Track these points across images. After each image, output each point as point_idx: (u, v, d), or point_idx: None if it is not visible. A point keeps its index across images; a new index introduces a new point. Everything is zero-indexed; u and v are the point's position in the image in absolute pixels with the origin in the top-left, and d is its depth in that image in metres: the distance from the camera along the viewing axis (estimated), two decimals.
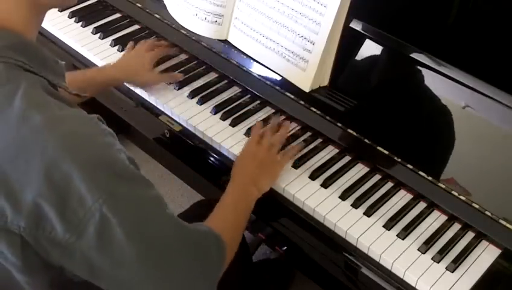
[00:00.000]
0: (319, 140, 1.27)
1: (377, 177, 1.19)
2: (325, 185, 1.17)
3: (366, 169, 1.21)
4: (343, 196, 1.15)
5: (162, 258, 0.81)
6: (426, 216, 1.12)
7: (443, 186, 1.11)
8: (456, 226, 1.11)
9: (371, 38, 1.25)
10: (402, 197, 1.16)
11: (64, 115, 0.79)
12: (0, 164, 0.77)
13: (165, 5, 1.47)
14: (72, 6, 1.61)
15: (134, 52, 1.42)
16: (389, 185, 1.18)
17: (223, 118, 1.32)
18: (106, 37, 1.54)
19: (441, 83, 1.16)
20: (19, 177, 0.76)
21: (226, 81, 1.41)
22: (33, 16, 0.86)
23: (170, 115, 1.34)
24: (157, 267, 0.81)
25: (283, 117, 1.31)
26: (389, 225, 1.10)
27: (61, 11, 1.61)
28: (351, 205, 1.14)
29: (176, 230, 0.84)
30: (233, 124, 1.30)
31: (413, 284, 1.03)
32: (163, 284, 0.82)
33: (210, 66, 1.44)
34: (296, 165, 1.21)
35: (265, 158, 1.18)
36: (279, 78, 1.31)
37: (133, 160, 0.85)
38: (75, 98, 1.00)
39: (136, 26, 1.59)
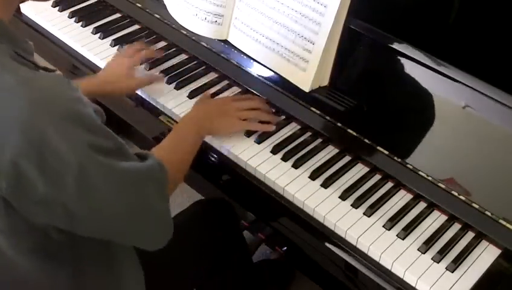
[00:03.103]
0: (319, 140, 1.27)
1: (377, 177, 1.19)
2: (325, 185, 1.17)
3: (366, 169, 1.21)
4: (343, 196, 1.15)
5: (132, 193, 0.89)
6: (426, 216, 1.12)
7: (443, 186, 1.11)
8: (456, 226, 1.11)
9: (370, 38, 1.25)
10: (402, 197, 1.16)
11: (33, 75, 0.84)
12: None
13: (165, 5, 1.47)
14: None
15: (113, 62, 1.41)
16: (389, 185, 1.18)
17: None
18: (106, 37, 1.54)
19: (441, 83, 1.16)
20: None
21: (226, 81, 1.41)
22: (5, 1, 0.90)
23: (170, 115, 1.34)
24: (131, 200, 0.89)
25: (283, 117, 1.31)
26: (389, 225, 1.10)
27: (61, 11, 1.61)
28: (351, 205, 1.14)
29: (137, 170, 0.91)
30: None
31: (413, 284, 1.03)
32: (137, 215, 0.91)
33: (210, 66, 1.44)
34: (296, 165, 1.21)
35: (231, 113, 1.25)
36: (279, 78, 1.31)
37: (101, 112, 0.91)
38: None
39: (136, 26, 1.58)
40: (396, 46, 1.21)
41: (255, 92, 1.36)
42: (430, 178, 1.13)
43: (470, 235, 1.09)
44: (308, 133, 1.29)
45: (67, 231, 0.88)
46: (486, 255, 1.06)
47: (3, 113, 0.79)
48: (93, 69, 1.48)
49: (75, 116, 0.82)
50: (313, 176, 1.19)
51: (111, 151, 0.87)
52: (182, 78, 1.41)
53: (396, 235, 1.09)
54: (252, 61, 1.35)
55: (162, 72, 1.42)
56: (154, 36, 1.54)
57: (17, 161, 0.78)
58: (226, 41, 1.39)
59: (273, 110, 1.33)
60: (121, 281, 1.02)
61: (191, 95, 1.36)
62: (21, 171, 0.79)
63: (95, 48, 1.50)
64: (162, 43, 1.52)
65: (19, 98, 0.79)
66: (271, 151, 1.24)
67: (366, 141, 1.20)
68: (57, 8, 1.62)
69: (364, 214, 1.12)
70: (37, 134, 0.78)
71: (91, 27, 1.57)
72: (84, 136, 0.82)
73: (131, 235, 0.94)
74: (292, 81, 1.28)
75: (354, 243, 1.09)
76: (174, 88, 1.39)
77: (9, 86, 0.79)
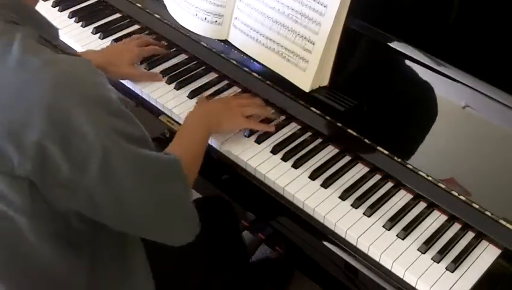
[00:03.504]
0: (319, 140, 1.27)
1: (377, 177, 1.19)
2: (325, 185, 1.17)
3: (366, 169, 1.21)
4: (343, 196, 1.15)
5: (158, 183, 0.89)
6: (426, 216, 1.12)
7: (443, 186, 1.11)
8: (456, 226, 1.11)
9: (371, 38, 1.25)
10: (402, 197, 1.16)
11: (59, 57, 0.84)
12: (2, 110, 0.81)
13: (165, 5, 1.47)
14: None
15: (123, 44, 1.43)
16: (389, 185, 1.18)
17: None
18: (106, 37, 1.54)
19: (441, 83, 1.16)
20: (21, 119, 0.80)
21: (226, 81, 1.41)
22: None
23: (170, 115, 1.34)
24: (157, 191, 0.89)
25: (283, 117, 1.31)
26: (389, 225, 1.10)
27: (61, 11, 1.61)
28: (351, 205, 1.14)
29: (160, 161, 0.91)
30: None
31: (413, 284, 1.03)
32: (164, 207, 0.90)
33: (210, 66, 1.44)
34: (296, 165, 1.21)
35: (234, 109, 1.24)
36: (279, 78, 1.31)
37: (123, 100, 0.91)
38: None
39: (136, 26, 1.58)
40: (396, 46, 1.21)
41: (255, 92, 1.36)
42: (430, 178, 1.12)
43: (470, 235, 1.09)
44: (308, 133, 1.28)
45: (87, 220, 0.88)
46: (486, 255, 1.06)
47: (29, 95, 0.79)
48: None
49: (99, 99, 0.83)
50: (313, 176, 1.19)
51: (136, 139, 0.87)
52: (182, 78, 1.41)
53: (396, 235, 1.09)
54: (252, 61, 1.35)
55: (162, 72, 1.42)
56: (154, 36, 1.54)
57: (42, 142, 0.79)
58: (226, 41, 1.39)
59: (273, 111, 1.33)
60: (132, 276, 1.02)
61: (191, 95, 1.36)
62: (46, 152, 0.79)
63: (95, 48, 1.50)
64: (162, 43, 1.52)
65: (44, 80, 0.80)
66: (271, 151, 1.24)
67: (366, 141, 1.20)
68: (57, 8, 1.62)
69: (364, 214, 1.12)
70: (62, 115, 0.79)
71: (91, 27, 1.57)
72: (108, 120, 0.82)
73: (157, 229, 0.93)
74: (292, 81, 1.28)
75: (354, 243, 1.09)
76: (174, 88, 1.39)
77: (34, 68, 0.80)
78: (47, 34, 0.90)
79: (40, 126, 0.79)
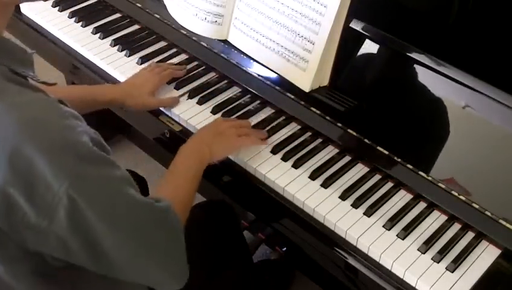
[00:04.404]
0: (319, 140, 1.27)
1: (377, 177, 1.19)
2: (325, 185, 1.17)
3: (366, 169, 1.21)
4: (343, 196, 1.15)
5: (133, 231, 0.84)
6: (426, 216, 1.12)
7: (443, 186, 1.11)
8: (456, 226, 1.11)
9: (371, 39, 1.25)
10: (402, 197, 1.16)
11: (23, 101, 0.80)
12: None
13: (165, 5, 1.47)
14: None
15: (140, 75, 1.38)
16: (389, 185, 1.18)
17: None
18: (106, 37, 1.54)
19: (441, 83, 1.16)
20: None
21: (226, 81, 1.41)
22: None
23: (170, 115, 1.34)
24: (130, 241, 0.84)
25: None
26: (389, 225, 1.10)
27: (61, 11, 1.61)
28: (351, 205, 1.14)
29: (141, 207, 0.86)
30: None
31: (413, 284, 1.03)
32: (139, 254, 0.85)
33: (210, 66, 1.44)
34: (296, 165, 1.21)
35: (226, 131, 1.21)
36: (279, 78, 1.31)
37: (99, 141, 0.85)
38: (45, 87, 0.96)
39: (136, 26, 1.58)
40: (396, 46, 1.21)
41: (255, 92, 1.36)
42: (430, 178, 1.13)
43: (470, 235, 1.09)
44: (308, 133, 1.28)
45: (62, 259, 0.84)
46: (486, 255, 1.06)
47: None
48: (93, 69, 1.48)
49: (66, 145, 0.79)
50: (313, 176, 1.19)
51: (113, 180, 0.83)
52: (182, 79, 1.41)
53: (396, 235, 1.09)
54: (252, 61, 1.35)
55: None
56: (154, 36, 1.54)
57: (5, 190, 0.76)
58: (226, 41, 1.39)
59: (274, 111, 1.33)
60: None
61: (191, 95, 1.36)
62: (11, 200, 0.77)
63: (95, 48, 1.50)
64: (162, 43, 1.52)
65: (7, 126, 0.76)
66: (271, 151, 1.24)
67: (366, 141, 1.20)
68: (57, 8, 1.62)
69: (364, 214, 1.12)
70: (25, 164, 0.76)
71: (91, 27, 1.57)
72: (75, 167, 0.78)
73: (138, 277, 0.89)
74: (292, 81, 1.28)
75: (354, 243, 1.09)
76: (174, 88, 1.39)
77: None
78: (20, 64, 0.85)
79: (3, 175, 0.76)
